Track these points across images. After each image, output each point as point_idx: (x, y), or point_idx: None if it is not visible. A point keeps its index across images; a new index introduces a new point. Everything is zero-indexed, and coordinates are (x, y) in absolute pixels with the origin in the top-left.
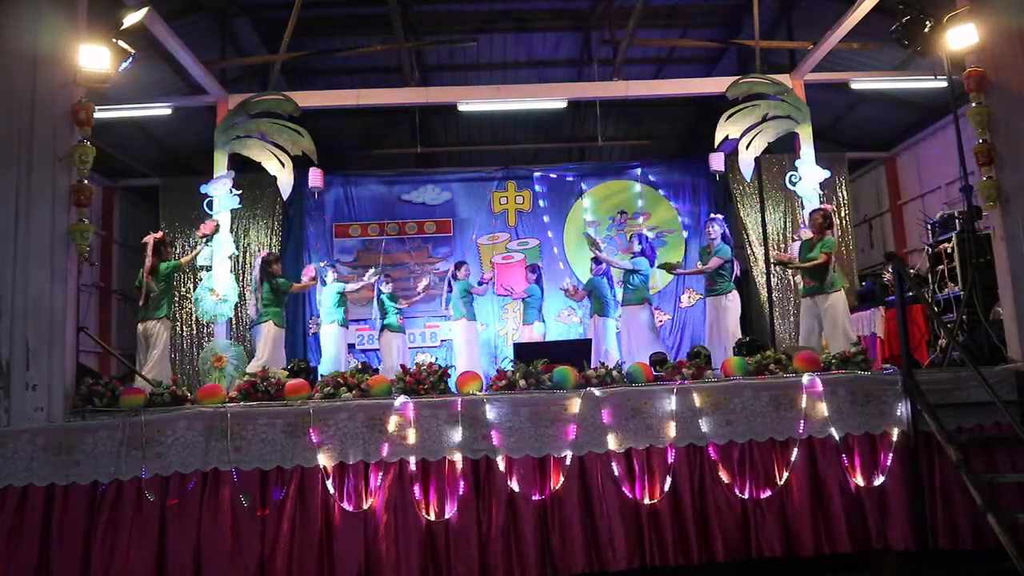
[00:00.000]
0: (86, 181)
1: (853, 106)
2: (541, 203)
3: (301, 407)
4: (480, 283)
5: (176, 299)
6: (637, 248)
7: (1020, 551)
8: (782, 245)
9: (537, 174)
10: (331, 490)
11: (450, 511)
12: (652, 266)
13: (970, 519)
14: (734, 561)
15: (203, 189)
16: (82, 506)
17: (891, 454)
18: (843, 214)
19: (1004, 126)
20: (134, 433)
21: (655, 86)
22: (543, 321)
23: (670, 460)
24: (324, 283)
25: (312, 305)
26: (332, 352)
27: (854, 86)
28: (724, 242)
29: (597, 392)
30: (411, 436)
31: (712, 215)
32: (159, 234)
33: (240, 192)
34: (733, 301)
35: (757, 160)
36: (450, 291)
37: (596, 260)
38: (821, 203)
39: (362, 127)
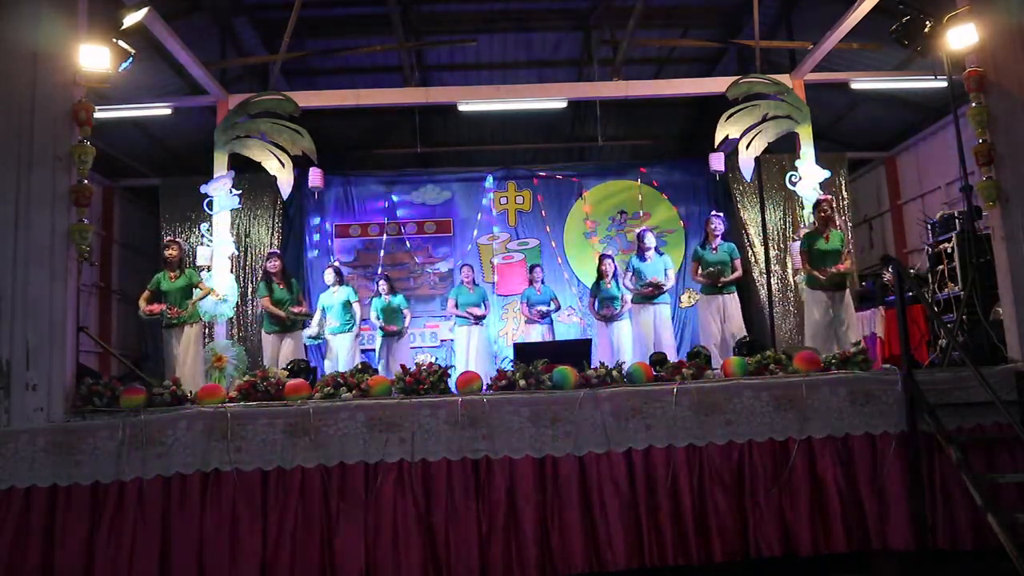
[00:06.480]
0: (86, 181)
1: (853, 106)
2: (541, 203)
3: (301, 407)
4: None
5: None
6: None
7: (1020, 551)
8: (782, 245)
9: (541, 174)
10: (331, 490)
11: (450, 511)
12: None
13: (970, 519)
14: (733, 561)
15: (203, 189)
16: (85, 507)
17: (891, 454)
18: (843, 214)
19: (1004, 126)
20: (135, 433)
21: (655, 86)
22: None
23: (670, 460)
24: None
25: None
26: (345, 360)
27: (854, 86)
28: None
29: (597, 392)
30: (411, 436)
31: (714, 212)
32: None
33: (240, 192)
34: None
35: (757, 160)
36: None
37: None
38: None
39: (362, 127)
